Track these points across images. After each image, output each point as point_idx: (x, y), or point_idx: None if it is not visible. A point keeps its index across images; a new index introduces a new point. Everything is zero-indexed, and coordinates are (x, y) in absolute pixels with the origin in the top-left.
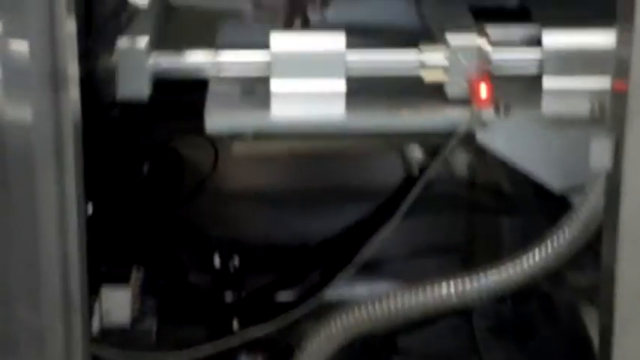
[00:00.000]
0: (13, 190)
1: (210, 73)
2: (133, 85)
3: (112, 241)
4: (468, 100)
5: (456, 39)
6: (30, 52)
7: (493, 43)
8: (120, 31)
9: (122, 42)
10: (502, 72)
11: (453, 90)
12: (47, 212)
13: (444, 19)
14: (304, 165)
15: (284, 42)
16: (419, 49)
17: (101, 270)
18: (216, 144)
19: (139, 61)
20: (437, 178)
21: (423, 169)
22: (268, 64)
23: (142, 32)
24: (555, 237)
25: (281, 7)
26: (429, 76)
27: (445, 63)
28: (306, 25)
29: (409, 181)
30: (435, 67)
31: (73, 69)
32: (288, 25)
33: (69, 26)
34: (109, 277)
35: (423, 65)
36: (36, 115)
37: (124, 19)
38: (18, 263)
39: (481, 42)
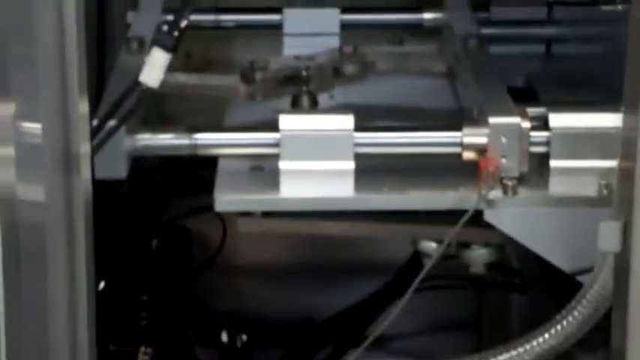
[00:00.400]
0: (24, 269)
1: (186, 152)
2: (109, 164)
3: (120, 320)
4: (476, 179)
5: (499, 119)
6: (43, 133)
7: None
8: (131, 111)
9: (95, 122)
10: None
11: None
12: (57, 292)
13: (482, 98)
14: (312, 240)
15: (293, 123)
16: (461, 129)
17: (109, 349)
18: (225, 219)
19: (114, 141)
20: (446, 255)
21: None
22: (277, 145)
23: (120, 111)
24: (565, 318)
25: (280, 85)
26: (468, 156)
27: (484, 142)
28: (315, 105)
29: (418, 257)
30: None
31: (85, 149)
32: (294, 104)
33: (82, 107)
34: (116, 356)
35: (462, 145)
36: (48, 194)
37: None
38: (27, 341)
39: (522, 121)
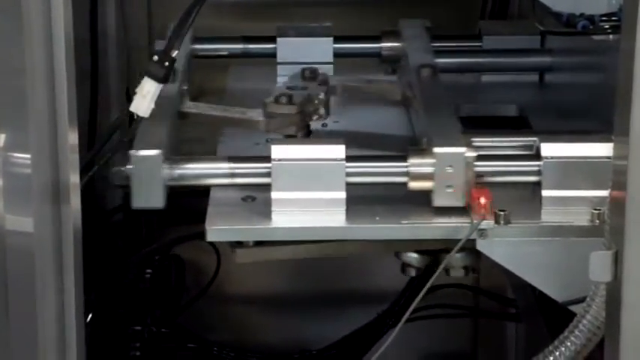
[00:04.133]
0: (12, 299)
1: (222, 182)
2: (148, 194)
3: (112, 351)
4: (468, 209)
5: (443, 148)
6: (32, 164)
7: (490, 152)
8: (124, 140)
9: (135, 152)
10: (501, 180)
11: (439, 199)
12: (47, 322)
13: (432, 127)
14: (306, 269)
15: (285, 153)
16: (406, 158)
17: None
18: (219, 248)
19: (153, 171)
20: (441, 283)
21: (421, 272)
22: (269, 175)
23: (153, 141)
24: (558, 348)
25: (291, 115)
26: (414, 185)
27: (431, 171)
28: (308, 134)
29: (412, 285)
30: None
31: (74, 179)
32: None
33: (71, 138)
34: None
35: (409, 174)
36: (37, 225)
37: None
38: None
39: (467, 151)
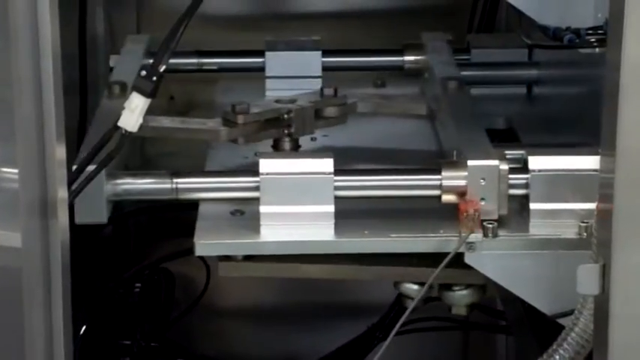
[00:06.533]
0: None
1: (165, 197)
2: (91, 209)
3: None
4: (457, 222)
5: (476, 161)
6: (19, 179)
7: None
8: (110, 156)
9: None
10: None
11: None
12: (34, 337)
13: (462, 140)
14: (296, 282)
15: (273, 167)
16: (440, 172)
17: None
18: (209, 262)
19: (94, 186)
20: (431, 296)
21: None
22: (257, 189)
23: (99, 155)
24: None
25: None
26: (446, 198)
27: (463, 184)
28: (296, 148)
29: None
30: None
31: (62, 194)
32: (276, 147)
33: (59, 152)
34: None
35: (442, 187)
36: (24, 240)
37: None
38: None
39: (500, 163)
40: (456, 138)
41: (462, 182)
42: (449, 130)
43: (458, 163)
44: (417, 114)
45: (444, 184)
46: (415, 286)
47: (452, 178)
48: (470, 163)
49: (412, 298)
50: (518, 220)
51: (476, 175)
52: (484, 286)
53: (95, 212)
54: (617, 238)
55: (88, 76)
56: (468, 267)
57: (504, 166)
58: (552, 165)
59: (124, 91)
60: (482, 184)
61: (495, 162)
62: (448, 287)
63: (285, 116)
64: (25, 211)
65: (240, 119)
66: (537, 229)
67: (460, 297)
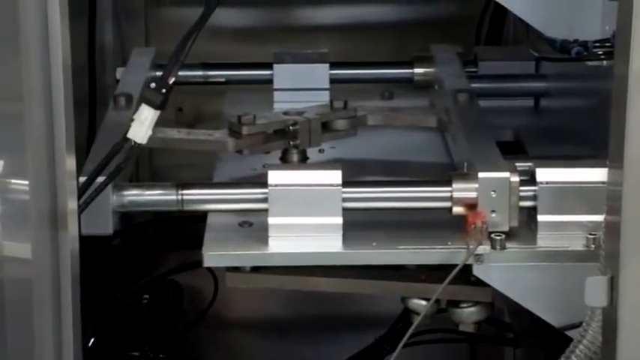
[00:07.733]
0: (9, 325)
1: (170, 209)
2: (96, 220)
3: None
4: (465, 234)
5: (487, 173)
6: (29, 190)
7: None
8: (121, 167)
9: (83, 178)
10: None
11: None
12: (44, 348)
13: (473, 152)
14: (304, 294)
15: (281, 178)
16: (450, 184)
17: None
18: (217, 273)
19: (100, 197)
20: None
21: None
22: (265, 201)
23: (108, 167)
24: None
25: (256, 135)
26: (457, 210)
27: (474, 196)
28: (304, 159)
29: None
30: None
31: (72, 205)
32: (284, 159)
33: (69, 164)
34: None
35: (452, 199)
36: (34, 251)
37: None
38: None
39: (511, 176)
40: (467, 150)
41: (473, 194)
42: (459, 143)
43: (469, 175)
44: (427, 126)
45: (454, 195)
46: (423, 302)
47: (463, 190)
48: (481, 175)
49: (419, 314)
50: (526, 232)
51: (487, 187)
52: (492, 303)
53: (101, 223)
54: (625, 250)
55: (97, 87)
56: (476, 283)
57: (515, 178)
58: (560, 177)
59: (130, 103)
60: (493, 196)
61: (506, 174)
62: (456, 304)
63: (291, 128)
64: (35, 222)
65: (246, 130)
66: (545, 241)
67: (468, 314)
